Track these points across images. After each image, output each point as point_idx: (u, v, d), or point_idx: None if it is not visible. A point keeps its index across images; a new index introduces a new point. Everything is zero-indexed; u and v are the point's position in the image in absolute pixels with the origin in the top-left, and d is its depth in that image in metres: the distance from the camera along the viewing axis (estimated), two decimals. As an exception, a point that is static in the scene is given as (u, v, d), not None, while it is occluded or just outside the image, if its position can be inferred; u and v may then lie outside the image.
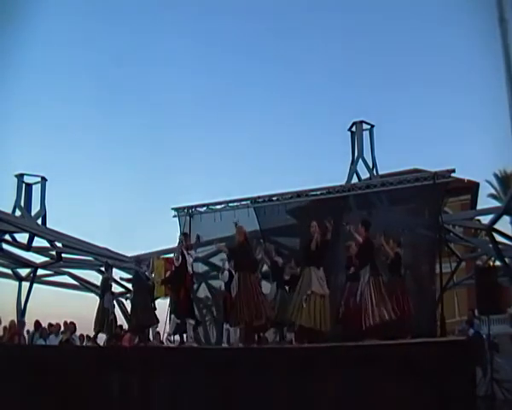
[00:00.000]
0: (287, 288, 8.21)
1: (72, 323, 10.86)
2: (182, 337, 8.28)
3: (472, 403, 4.98)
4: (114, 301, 10.43)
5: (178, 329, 8.27)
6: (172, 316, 8.39)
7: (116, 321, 10.01)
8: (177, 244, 8.56)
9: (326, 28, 38.99)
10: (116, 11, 34.55)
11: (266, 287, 8.30)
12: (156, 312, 9.36)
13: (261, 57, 41.53)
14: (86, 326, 11.47)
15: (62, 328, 10.95)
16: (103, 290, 9.77)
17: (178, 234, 10.87)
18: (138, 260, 9.97)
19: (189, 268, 8.20)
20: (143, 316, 8.96)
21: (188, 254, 8.24)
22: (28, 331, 11.54)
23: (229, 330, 8.04)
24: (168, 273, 9.60)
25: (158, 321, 9.31)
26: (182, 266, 8.15)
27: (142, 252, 12.80)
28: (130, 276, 10.41)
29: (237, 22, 37.80)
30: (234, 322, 7.62)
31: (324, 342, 6.69)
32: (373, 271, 6.87)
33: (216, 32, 39.56)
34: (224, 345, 8.13)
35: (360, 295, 6.83)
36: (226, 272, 8.35)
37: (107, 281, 9.92)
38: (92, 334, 9.81)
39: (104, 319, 9.42)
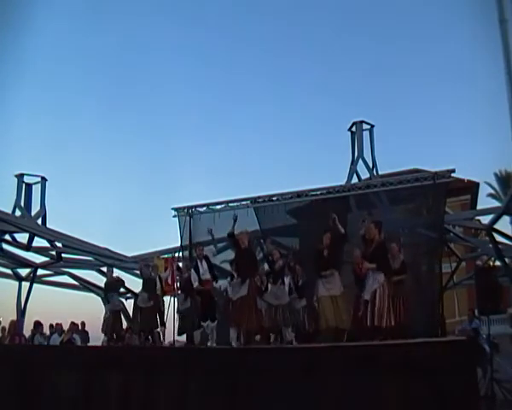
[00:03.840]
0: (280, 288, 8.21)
1: (73, 323, 10.88)
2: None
3: (473, 404, 4.96)
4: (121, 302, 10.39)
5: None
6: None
7: (120, 322, 9.90)
8: (179, 245, 8.58)
9: (327, 28, 39.01)
10: (117, 11, 34.58)
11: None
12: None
13: (261, 57, 41.55)
14: (86, 326, 11.52)
15: (63, 328, 10.97)
16: (109, 292, 9.71)
17: (179, 234, 10.88)
18: (146, 262, 9.95)
19: (201, 277, 8.16)
20: (149, 318, 8.95)
21: (201, 263, 8.26)
22: (31, 331, 11.55)
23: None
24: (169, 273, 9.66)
25: (163, 324, 9.27)
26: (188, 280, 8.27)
27: (142, 252, 12.83)
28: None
29: (238, 21, 37.84)
30: (230, 325, 7.66)
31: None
32: (385, 273, 6.79)
33: (216, 30, 39.59)
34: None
35: (371, 297, 6.74)
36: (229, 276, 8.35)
37: (116, 282, 9.83)
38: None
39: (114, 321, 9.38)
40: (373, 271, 6.76)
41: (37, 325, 11.03)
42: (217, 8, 36.38)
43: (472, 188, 19.15)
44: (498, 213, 9.25)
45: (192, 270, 8.33)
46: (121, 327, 9.96)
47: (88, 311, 14.23)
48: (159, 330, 9.19)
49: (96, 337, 10.09)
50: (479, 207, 18.53)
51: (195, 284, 8.14)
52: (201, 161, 42.37)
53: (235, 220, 7.75)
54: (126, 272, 12.57)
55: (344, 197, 9.85)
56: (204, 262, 8.26)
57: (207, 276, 8.21)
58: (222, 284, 9.68)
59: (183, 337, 8.71)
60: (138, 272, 10.11)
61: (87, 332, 11.33)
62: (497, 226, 9.43)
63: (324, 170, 34.55)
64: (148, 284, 9.13)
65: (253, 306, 7.31)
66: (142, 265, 9.78)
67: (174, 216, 10.95)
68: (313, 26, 38.59)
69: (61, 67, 34.84)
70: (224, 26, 40.06)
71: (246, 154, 42.46)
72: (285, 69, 40.92)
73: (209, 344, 8.15)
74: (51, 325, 11.19)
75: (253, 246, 7.99)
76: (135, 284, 11.47)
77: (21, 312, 12.76)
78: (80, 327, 11.20)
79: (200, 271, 8.16)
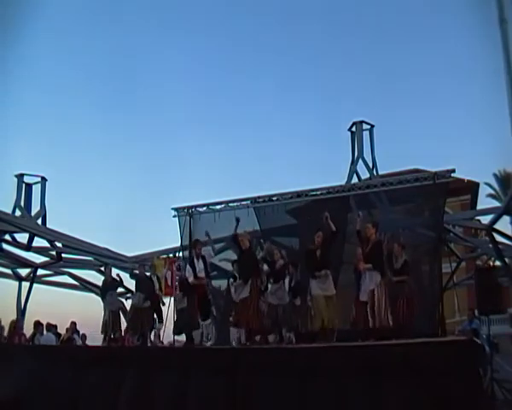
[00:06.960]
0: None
1: (73, 322, 10.88)
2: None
3: (474, 404, 4.95)
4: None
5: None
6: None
7: (119, 322, 9.66)
8: (179, 245, 8.56)
9: (326, 28, 39.02)
10: (117, 11, 34.60)
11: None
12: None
13: (261, 58, 41.57)
14: (86, 326, 11.52)
15: (64, 328, 10.96)
16: (107, 291, 9.60)
17: (179, 234, 10.89)
18: (142, 262, 9.91)
19: (199, 275, 8.12)
20: (144, 319, 8.92)
21: (197, 260, 8.19)
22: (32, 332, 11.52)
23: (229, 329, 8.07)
24: (169, 274, 9.63)
25: (162, 322, 9.24)
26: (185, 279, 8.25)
27: (142, 252, 12.84)
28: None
29: (240, 20, 37.87)
30: (233, 324, 7.79)
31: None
32: (383, 273, 6.83)
33: (217, 28, 39.62)
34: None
35: (369, 297, 6.79)
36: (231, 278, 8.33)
37: (113, 281, 9.76)
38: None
39: (114, 321, 9.27)
40: (369, 271, 6.83)
41: (37, 324, 11.01)
42: (216, 9, 36.42)
43: (472, 188, 19.16)
44: (498, 213, 9.25)
45: (188, 265, 8.32)
46: (120, 327, 9.85)
47: (88, 311, 14.24)
48: (156, 330, 9.19)
49: (96, 337, 10.07)
50: (479, 207, 18.57)
51: (191, 279, 8.09)
52: (201, 161, 42.39)
53: (237, 222, 7.86)
54: (126, 271, 12.56)
55: (344, 197, 9.85)
56: (201, 261, 8.21)
57: (202, 274, 8.18)
58: (222, 284, 9.68)
59: (183, 337, 8.71)
60: (131, 272, 10.03)
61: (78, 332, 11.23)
62: (497, 226, 9.42)
63: (324, 170, 34.58)
64: (144, 284, 9.04)
65: (255, 306, 7.36)
66: (138, 265, 9.75)
67: (174, 216, 10.96)
68: (314, 26, 38.63)
69: (61, 67, 34.87)
70: (225, 26, 40.10)
71: (246, 154, 42.50)
72: (285, 69, 40.97)
73: (209, 343, 8.15)
74: (51, 325, 11.17)
75: (253, 246, 7.98)
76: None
77: (21, 312, 12.76)
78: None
79: (196, 268, 8.13)
